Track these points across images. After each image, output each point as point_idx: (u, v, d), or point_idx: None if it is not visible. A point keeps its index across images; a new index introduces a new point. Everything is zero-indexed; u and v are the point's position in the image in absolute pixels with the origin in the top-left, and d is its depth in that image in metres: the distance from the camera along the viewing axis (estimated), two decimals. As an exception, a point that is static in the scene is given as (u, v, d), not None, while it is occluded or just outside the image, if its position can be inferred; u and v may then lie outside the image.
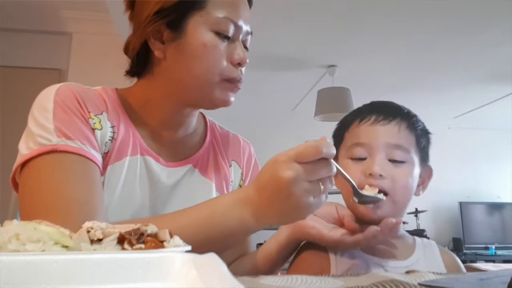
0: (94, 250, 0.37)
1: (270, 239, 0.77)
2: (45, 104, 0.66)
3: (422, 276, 0.53)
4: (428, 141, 0.79)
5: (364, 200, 0.67)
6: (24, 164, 0.63)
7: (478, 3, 2.42)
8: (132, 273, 0.31)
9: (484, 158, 5.24)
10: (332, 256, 0.73)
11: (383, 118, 0.75)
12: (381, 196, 0.68)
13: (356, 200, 0.66)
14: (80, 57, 3.00)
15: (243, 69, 0.74)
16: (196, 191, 0.77)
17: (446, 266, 0.77)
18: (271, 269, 0.76)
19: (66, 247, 0.36)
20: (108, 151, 0.69)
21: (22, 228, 0.36)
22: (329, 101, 3.38)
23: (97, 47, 3.03)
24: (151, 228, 0.39)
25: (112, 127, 0.71)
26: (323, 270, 0.72)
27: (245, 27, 0.72)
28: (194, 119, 0.81)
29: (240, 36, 0.72)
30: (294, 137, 5.15)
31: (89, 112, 0.68)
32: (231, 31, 0.70)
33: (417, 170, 0.75)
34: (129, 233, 0.38)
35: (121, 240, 0.38)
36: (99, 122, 0.69)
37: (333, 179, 0.58)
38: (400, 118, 0.75)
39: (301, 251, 0.76)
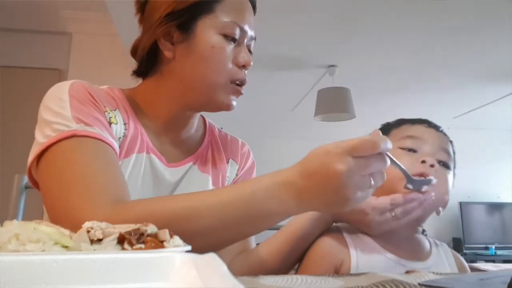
0: (94, 250, 0.37)
1: (296, 217, 0.73)
2: (60, 96, 0.66)
3: (422, 276, 0.53)
4: (455, 153, 0.83)
5: (418, 184, 0.67)
6: (42, 153, 0.62)
7: (478, 3, 2.42)
8: (132, 273, 0.31)
9: (484, 158, 5.24)
10: (352, 252, 0.71)
11: (435, 125, 0.81)
12: (432, 178, 0.69)
13: (410, 187, 0.66)
14: (80, 57, 3.01)
15: (246, 72, 0.77)
16: (194, 186, 0.79)
17: (458, 269, 0.77)
18: (292, 252, 0.74)
19: (66, 247, 0.36)
20: (120, 147, 0.71)
21: (22, 228, 0.36)
22: (329, 101, 3.38)
23: (97, 47, 3.03)
24: (151, 228, 0.39)
25: (124, 124, 0.73)
26: (343, 267, 0.71)
27: (250, 32, 0.76)
28: (196, 121, 0.84)
29: (245, 40, 0.76)
30: (294, 137, 5.18)
31: (104, 106, 0.70)
32: (237, 34, 0.73)
33: (452, 177, 0.78)
34: (129, 233, 0.38)
35: (121, 240, 0.38)
36: (115, 117, 0.71)
37: (384, 174, 0.57)
38: (443, 131, 0.82)
39: (317, 244, 0.75)
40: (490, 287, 0.48)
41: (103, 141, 0.64)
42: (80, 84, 0.70)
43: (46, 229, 0.37)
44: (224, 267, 0.28)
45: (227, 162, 0.87)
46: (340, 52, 3.19)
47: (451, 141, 0.81)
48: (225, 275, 0.27)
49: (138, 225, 0.40)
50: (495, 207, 5.16)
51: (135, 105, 0.78)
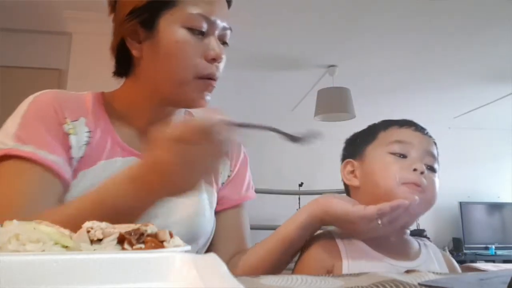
0: (94, 250, 0.37)
1: (285, 224, 0.75)
2: (20, 108, 0.69)
3: (422, 276, 0.53)
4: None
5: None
6: None
7: (478, 3, 2.42)
8: (132, 273, 0.31)
9: (484, 158, 5.23)
10: (344, 254, 0.72)
11: (421, 129, 0.80)
12: (416, 198, 0.70)
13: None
14: (80, 57, 3.00)
15: (221, 66, 0.73)
16: None
17: (448, 268, 0.78)
18: (282, 257, 0.74)
19: (66, 247, 0.36)
20: (83, 156, 0.71)
21: (22, 228, 0.36)
22: (329, 101, 3.38)
23: (97, 47, 3.01)
24: (151, 228, 0.39)
25: (89, 132, 0.72)
26: (335, 270, 0.71)
27: (222, 23, 0.72)
28: (180, 118, 0.81)
29: (216, 32, 0.72)
30: (294, 137, 5.16)
31: (65, 118, 0.70)
32: (204, 26, 0.70)
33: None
34: (129, 233, 0.38)
35: (121, 240, 0.38)
36: (74, 128, 0.71)
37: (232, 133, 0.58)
38: (429, 134, 0.81)
39: (310, 248, 0.75)
40: (490, 287, 0.48)
41: (35, 161, 0.64)
42: (45, 96, 0.71)
43: (46, 229, 0.37)
44: (224, 267, 0.28)
45: None
46: (340, 52, 3.19)
47: (435, 143, 0.81)
48: (225, 275, 0.27)
49: (138, 225, 0.40)
50: (495, 207, 5.15)
51: (111, 109, 0.77)
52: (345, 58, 3.27)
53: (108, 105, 0.77)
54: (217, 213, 0.82)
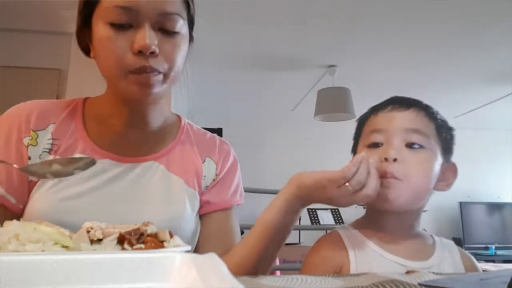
0: (94, 250, 0.37)
1: (265, 211, 0.72)
2: None
3: (422, 276, 0.53)
4: (451, 136, 0.78)
5: None
6: None
7: (478, 4, 2.42)
8: (132, 273, 0.31)
9: (484, 158, 5.23)
10: (351, 255, 0.71)
11: (399, 106, 0.75)
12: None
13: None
14: (80, 57, 3.00)
15: (166, 56, 0.68)
16: (158, 184, 0.76)
17: (466, 269, 0.75)
18: (269, 244, 0.70)
19: (66, 247, 0.36)
20: None
21: (22, 228, 0.36)
22: (329, 101, 3.38)
23: (97, 47, 3.02)
24: (151, 228, 0.39)
25: (53, 139, 0.74)
26: (343, 271, 0.70)
27: (153, 10, 0.66)
28: (155, 115, 0.80)
29: (147, 21, 0.66)
30: (294, 137, 5.18)
31: (29, 130, 0.73)
32: (125, 19, 0.66)
33: (437, 160, 0.73)
34: (129, 233, 0.38)
35: (121, 240, 0.38)
36: (36, 138, 0.73)
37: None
38: (417, 107, 0.75)
39: (317, 249, 0.74)
40: (490, 287, 0.48)
41: None
42: (19, 108, 0.74)
43: (46, 229, 0.37)
44: (224, 267, 0.28)
45: (203, 161, 0.82)
46: (340, 52, 3.19)
47: (434, 115, 0.75)
48: (225, 275, 0.27)
49: (138, 225, 0.40)
50: (495, 207, 5.15)
51: (91, 114, 0.78)
52: (345, 58, 3.27)
53: (89, 110, 0.79)
54: (202, 216, 0.81)
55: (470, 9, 2.49)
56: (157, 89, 0.69)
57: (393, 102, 0.76)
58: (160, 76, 0.68)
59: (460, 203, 5.02)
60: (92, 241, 0.38)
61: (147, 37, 0.65)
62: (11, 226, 0.36)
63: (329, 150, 5.32)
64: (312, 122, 3.80)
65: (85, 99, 0.81)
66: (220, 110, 4.45)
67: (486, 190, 5.24)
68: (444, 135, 0.76)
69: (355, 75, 3.54)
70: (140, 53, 0.65)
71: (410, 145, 0.71)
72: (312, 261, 0.73)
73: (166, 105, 0.85)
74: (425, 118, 0.74)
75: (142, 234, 0.38)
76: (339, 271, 0.70)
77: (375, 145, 0.73)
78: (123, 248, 0.37)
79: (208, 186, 0.82)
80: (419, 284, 0.48)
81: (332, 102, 3.36)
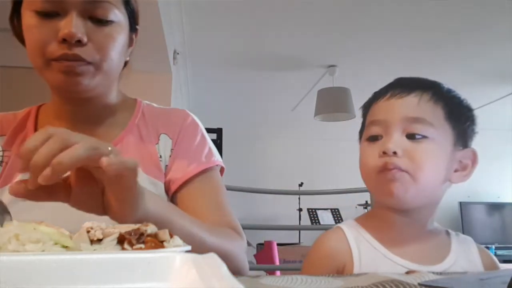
0: (94, 250, 0.37)
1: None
2: None
3: (422, 276, 0.53)
4: (468, 118, 0.71)
5: None
6: None
7: (479, 3, 2.42)
8: (132, 273, 0.31)
9: (484, 158, 5.20)
10: (355, 254, 0.67)
11: (400, 91, 0.67)
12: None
13: None
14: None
15: (89, 45, 0.65)
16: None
17: (485, 268, 0.70)
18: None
19: (66, 247, 0.36)
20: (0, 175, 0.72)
21: (22, 228, 0.36)
22: (329, 101, 3.39)
23: (97, 47, 3.01)
24: (151, 228, 0.39)
25: (4, 151, 0.74)
26: (346, 270, 0.67)
27: None
28: (103, 110, 0.77)
29: (74, 9, 0.64)
30: (294, 137, 5.18)
31: None
32: (50, 6, 0.64)
33: (447, 148, 0.67)
34: (129, 233, 0.38)
35: (121, 240, 0.38)
36: None
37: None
38: (421, 90, 0.68)
39: (320, 247, 0.71)
40: (490, 287, 0.48)
41: None
42: None
43: (46, 229, 0.37)
44: (224, 267, 0.28)
45: (158, 140, 0.78)
46: (340, 52, 3.19)
47: (444, 96, 0.68)
48: (225, 275, 0.27)
49: (138, 225, 0.40)
50: (495, 207, 5.16)
51: (44, 118, 0.78)
52: (345, 58, 3.27)
53: (42, 115, 0.78)
54: (174, 196, 0.75)
55: (470, 9, 2.49)
56: (88, 80, 0.66)
57: (393, 87, 0.70)
58: (90, 67, 0.66)
59: (460, 203, 5.03)
60: (92, 241, 0.38)
61: (73, 25, 0.62)
62: (11, 226, 0.36)
63: (329, 150, 5.33)
64: (312, 122, 3.80)
65: (40, 106, 0.81)
66: (220, 110, 4.46)
67: (486, 190, 5.24)
68: (457, 118, 0.68)
69: (355, 75, 3.54)
70: (65, 41, 0.63)
71: (411, 136, 0.64)
72: (313, 260, 0.70)
73: (121, 97, 0.81)
74: (429, 102, 0.67)
75: (142, 234, 0.38)
76: (342, 271, 0.68)
77: (374, 138, 0.67)
78: (123, 248, 0.37)
79: (167, 165, 0.77)
80: (419, 284, 0.48)
81: (332, 102, 3.37)
